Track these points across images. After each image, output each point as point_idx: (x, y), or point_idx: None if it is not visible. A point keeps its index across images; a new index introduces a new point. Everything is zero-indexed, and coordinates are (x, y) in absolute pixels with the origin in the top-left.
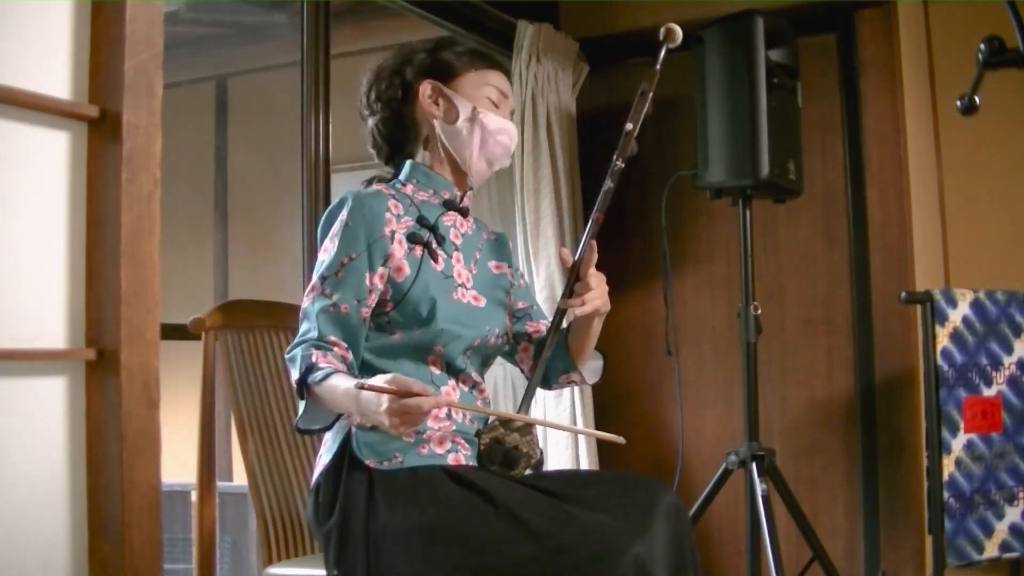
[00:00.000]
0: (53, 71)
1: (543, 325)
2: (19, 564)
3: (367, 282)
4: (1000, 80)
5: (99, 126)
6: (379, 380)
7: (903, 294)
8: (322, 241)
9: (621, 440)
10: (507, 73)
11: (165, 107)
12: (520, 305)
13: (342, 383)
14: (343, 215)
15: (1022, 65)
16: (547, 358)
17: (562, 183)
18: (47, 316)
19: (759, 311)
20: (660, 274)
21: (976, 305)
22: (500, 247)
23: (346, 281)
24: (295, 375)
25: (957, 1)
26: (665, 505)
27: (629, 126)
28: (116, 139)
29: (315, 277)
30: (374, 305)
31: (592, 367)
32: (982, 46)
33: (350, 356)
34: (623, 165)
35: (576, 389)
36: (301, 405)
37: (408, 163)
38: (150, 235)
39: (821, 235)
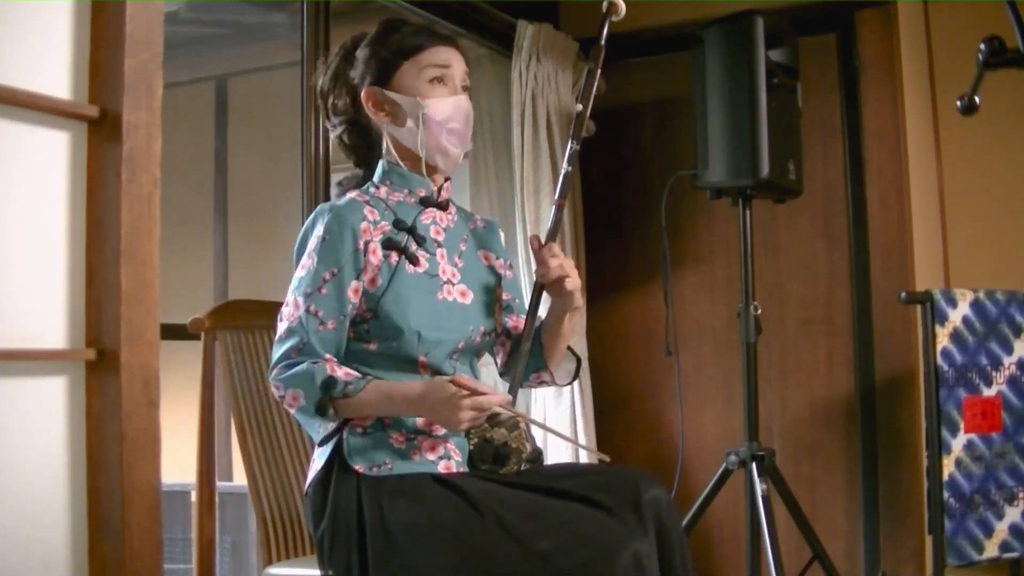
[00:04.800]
0: (53, 71)
1: (523, 321)
2: (19, 564)
3: (349, 296)
4: (1000, 80)
5: (99, 126)
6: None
7: (903, 294)
8: (299, 257)
9: (606, 459)
10: (449, 40)
11: (165, 107)
12: (504, 297)
13: (395, 389)
14: (319, 230)
15: (1022, 65)
16: (527, 351)
17: None
18: (47, 316)
19: (759, 311)
20: (660, 274)
21: (976, 305)
22: (489, 235)
23: (330, 296)
24: (310, 394)
25: (957, 1)
26: (651, 498)
27: (579, 107)
28: (116, 139)
29: (296, 294)
30: (354, 318)
31: (565, 368)
32: (982, 46)
33: None
34: (578, 147)
35: (576, 390)
36: (318, 422)
37: (380, 164)
38: (150, 235)
39: (821, 235)
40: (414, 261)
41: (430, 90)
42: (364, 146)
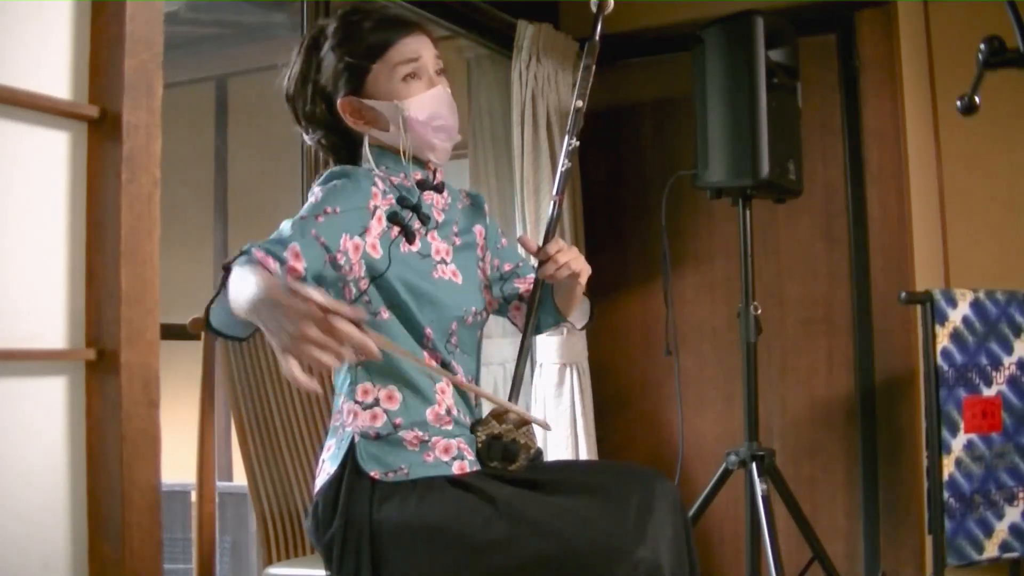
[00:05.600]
0: (53, 71)
1: (532, 279)
2: (19, 564)
3: (342, 241)
4: (1000, 80)
5: (99, 126)
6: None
7: (903, 294)
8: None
9: (549, 427)
10: (413, 27)
11: (165, 107)
12: (507, 268)
13: (264, 276)
14: (332, 182)
15: (1022, 65)
16: (529, 345)
17: None
18: (47, 316)
19: (759, 311)
20: (660, 274)
21: (976, 305)
22: (476, 210)
23: (326, 226)
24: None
25: (957, 1)
26: (664, 496)
27: (579, 103)
28: (116, 139)
29: (288, 219)
30: (340, 270)
31: (581, 312)
32: (982, 46)
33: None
34: (577, 143)
35: (576, 390)
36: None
37: (375, 151)
38: (150, 235)
39: (821, 235)
40: (411, 239)
41: (406, 89)
42: (347, 148)
